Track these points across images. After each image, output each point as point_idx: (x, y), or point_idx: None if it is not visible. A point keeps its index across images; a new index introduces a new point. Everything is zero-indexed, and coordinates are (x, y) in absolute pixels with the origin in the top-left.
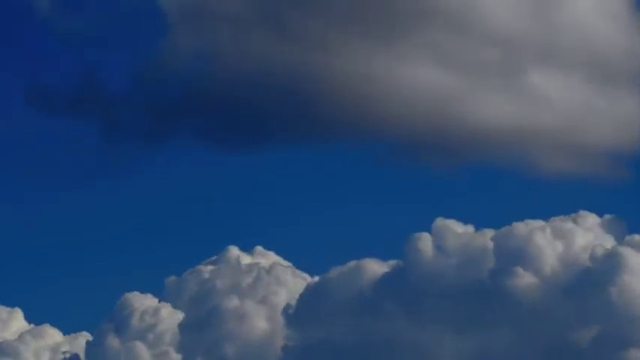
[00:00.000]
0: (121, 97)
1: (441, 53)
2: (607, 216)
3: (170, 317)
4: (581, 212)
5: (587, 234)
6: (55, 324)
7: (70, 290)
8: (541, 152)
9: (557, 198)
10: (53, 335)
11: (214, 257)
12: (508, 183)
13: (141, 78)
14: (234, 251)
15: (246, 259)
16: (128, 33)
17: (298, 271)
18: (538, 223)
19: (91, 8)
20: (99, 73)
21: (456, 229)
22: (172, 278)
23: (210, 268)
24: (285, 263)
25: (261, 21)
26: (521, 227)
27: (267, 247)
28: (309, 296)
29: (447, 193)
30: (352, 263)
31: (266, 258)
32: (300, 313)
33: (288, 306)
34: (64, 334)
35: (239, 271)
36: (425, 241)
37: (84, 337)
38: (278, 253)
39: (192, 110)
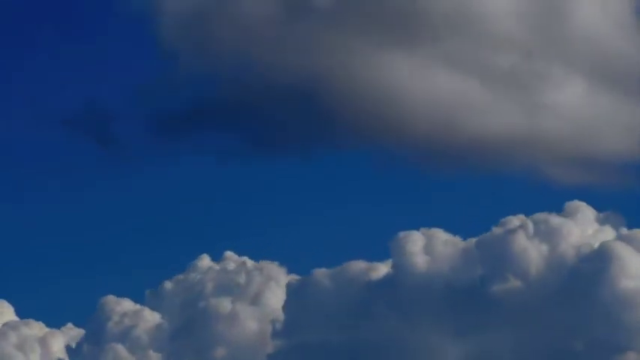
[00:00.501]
0: (121, 111)
1: (448, 60)
2: (601, 214)
3: (153, 321)
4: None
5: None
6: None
7: (60, 288)
8: (547, 160)
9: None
10: (38, 329)
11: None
12: (512, 191)
13: (142, 93)
14: (205, 259)
15: (216, 265)
16: (129, 51)
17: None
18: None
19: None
20: (100, 90)
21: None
22: (150, 291)
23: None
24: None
25: (265, 28)
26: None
27: (263, 252)
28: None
29: (448, 199)
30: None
31: (241, 263)
32: (287, 320)
33: (275, 320)
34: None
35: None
36: (413, 241)
37: (69, 330)
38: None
39: (191, 122)
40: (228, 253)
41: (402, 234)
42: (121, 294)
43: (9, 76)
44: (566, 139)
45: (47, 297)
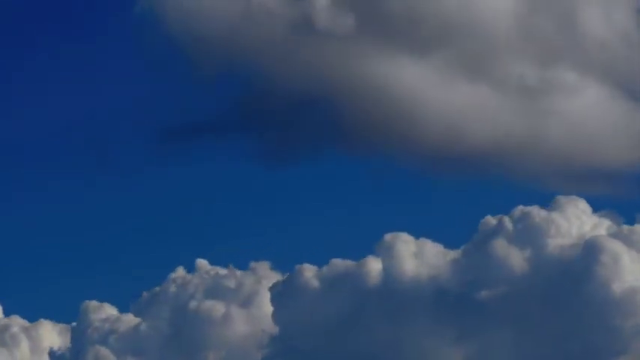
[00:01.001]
0: (119, 116)
1: (457, 67)
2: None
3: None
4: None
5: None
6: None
7: (46, 290)
8: (553, 167)
9: None
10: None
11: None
12: (516, 197)
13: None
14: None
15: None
16: (131, 54)
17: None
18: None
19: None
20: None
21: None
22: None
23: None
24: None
25: (274, 37)
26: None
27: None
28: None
29: (450, 205)
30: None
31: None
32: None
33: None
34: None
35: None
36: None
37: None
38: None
39: (191, 132)
40: (199, 262)
41: (388, 236)
42: (106, 299)
43: (9, 77)
44: (574, 146)
45: (33, 298)
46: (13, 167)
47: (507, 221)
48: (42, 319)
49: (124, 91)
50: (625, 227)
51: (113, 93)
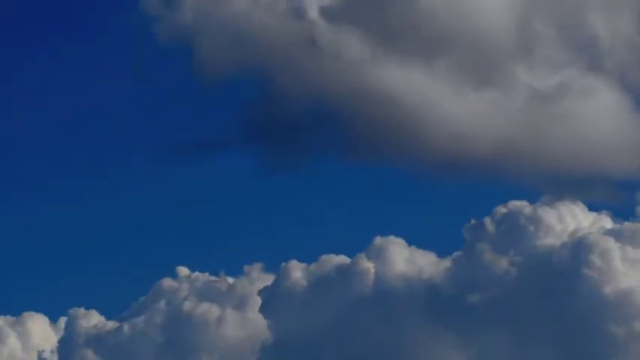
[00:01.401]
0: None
1: (461, 74)
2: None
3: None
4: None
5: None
6: None
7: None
8: (558, 176)
9: None
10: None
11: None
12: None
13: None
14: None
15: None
16: (132, 56)
17: None
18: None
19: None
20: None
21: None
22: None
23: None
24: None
25: (282, 48)
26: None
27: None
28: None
29: (453, 209)
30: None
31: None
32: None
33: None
34: None
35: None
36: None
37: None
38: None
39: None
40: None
41: (379, 239)
42: (94, 305)
43: (9, 77)
44: (579, 152)
45: (21, 298)
46: (13, 167)
47: (489, 223)
48: (31, 312)
49: (123, 92)
50: (618, 225)
51: (113, 93)
